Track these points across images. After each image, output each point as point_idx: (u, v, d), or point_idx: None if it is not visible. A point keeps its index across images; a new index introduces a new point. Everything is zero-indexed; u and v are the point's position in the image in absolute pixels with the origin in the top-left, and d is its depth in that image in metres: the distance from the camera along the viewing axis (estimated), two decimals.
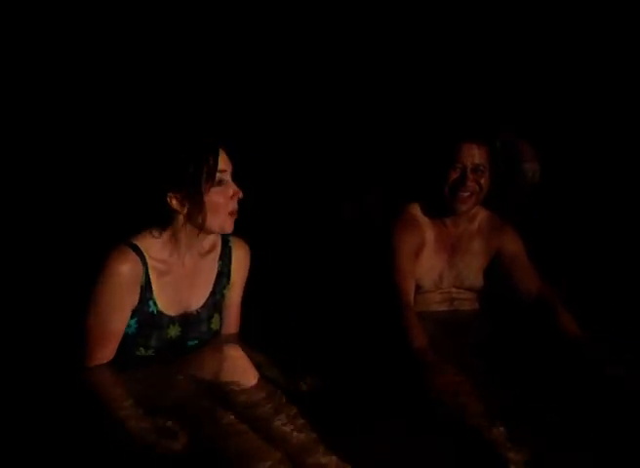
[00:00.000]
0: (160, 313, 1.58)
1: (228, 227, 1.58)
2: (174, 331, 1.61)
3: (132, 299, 1.54)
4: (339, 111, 3.97)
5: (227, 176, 1.55)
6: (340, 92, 4.01)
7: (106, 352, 1.53)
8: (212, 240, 1.68)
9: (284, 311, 2.23)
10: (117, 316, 1.52)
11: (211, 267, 1.67)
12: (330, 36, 4.09)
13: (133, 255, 1.52)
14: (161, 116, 1.58)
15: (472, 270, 2.14)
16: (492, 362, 1.82)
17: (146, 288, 1.55)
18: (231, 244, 1.71)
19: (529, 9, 3.99)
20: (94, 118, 3.41)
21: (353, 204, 3.72)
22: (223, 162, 1.55)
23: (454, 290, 2.15)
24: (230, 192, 1.55)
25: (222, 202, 1.54)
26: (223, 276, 1.70)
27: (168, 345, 1.60)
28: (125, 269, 1.50)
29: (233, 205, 1.56)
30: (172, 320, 1.60)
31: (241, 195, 1.57)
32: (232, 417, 1.34)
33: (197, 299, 1.65)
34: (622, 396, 1.54)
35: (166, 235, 1.57)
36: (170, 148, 1.51)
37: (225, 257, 1.70)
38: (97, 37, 3.72)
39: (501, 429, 1.38)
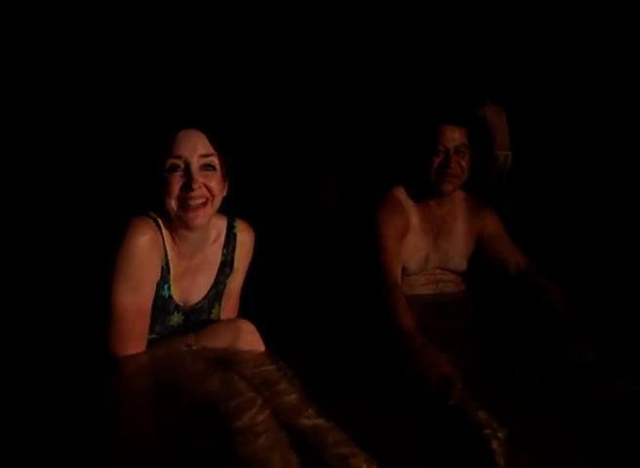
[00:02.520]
0: (170, 298, 1.56)
1: (186, 217, 1.47)
2: (176, 319, 1.60)
3: (156, 273, 1.49)
4: (323, 107, 3.99)
5: (181, 163, 1.46)
6: (322, 87, 4.03)
7: (145, 330, 1.49)
8: (217, 228, 1.64)
9: (275, 298, 2.23)
10: (146, 290, 1.47)
11: (214, 257, 1.64)
12: (313, 30, 4.09)
13: (154, 226, 1.48)
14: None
15: (457, 252, 2.19)
16: (477, 344, 1.84)
17: (166, 269, 1.52)
18: (236, 230, 1.67)
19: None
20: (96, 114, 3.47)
21: (333, 194, 3.75)
22: (183, 148, 1.46)
23: (438, 271, 2.19)
24: (180, 180, 1.46)
25: (171, 188, 1.45)
26: (226, 266, 1.66)
27: (169, 331, 1.58)
28: (146, 238, 1.44)
29: (179, 192, 1.46)
30: (177, 308, 1.59)
31: (194, 186, 1.45)
32: (242, 384, 1.34)
33: (199, 291, 1.63)
34: (604, 382, 1.55)
35: (164, 223, 1.52)
36: (143, 133, 1.51)
37: (230, 245, 1.66)
38: (96, 35, 3.74)
39: (483, 410, 1.39)
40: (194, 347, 1.50)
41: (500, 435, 1.32)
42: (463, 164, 2.05)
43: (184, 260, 1.57)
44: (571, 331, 1.81)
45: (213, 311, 1.67)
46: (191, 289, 1.61)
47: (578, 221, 3.20)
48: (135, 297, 1.45)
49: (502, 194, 4.36)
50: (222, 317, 1.71)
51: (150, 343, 1.53)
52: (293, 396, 1.34)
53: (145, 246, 1.45)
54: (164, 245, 1.51)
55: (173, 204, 1.47)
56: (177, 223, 1.51)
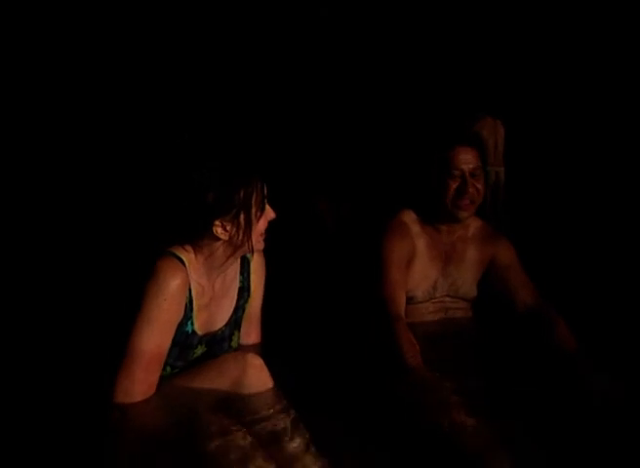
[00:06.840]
0: (194, 333, 1.55)
1: (261, 246, 1.58)
2: (200, 351, 1.59)
3: (180, 316, 1.49)
4: (318, 120, 3.98)
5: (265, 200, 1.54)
6: (318, 99, 4.02)
7: (157, 378, 1.46)
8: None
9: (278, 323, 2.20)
10: (169, 335, 1.47)
11: (233, 284, 1.65)
12: (312, 40, 4.09)
13: (182, 268, 1.48)
14: (202, 140, 1.54)
15: (467, 279, 2.10)
16: (486, 375, 1.79)
17: (189, 306, 1.51)
18: (248, 255, 1.67)
19: (519, 10, 4.03)
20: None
21: (327, 215, 3.75)
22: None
23: (447, 299, 2.11)
24: (271, 216, 1.56)
25: (263, 226, 1.54)
26: (244, 291, 1.68)
27: (191, 364, 1.57)
28: (177, 283, 1.44)
29: (266, 226, 1.56)
30: (200, 340, 1.58)
31: (274, 216, 1.56)
32: (246, 436, 1.32)
33: (222, 318, 1.63)
34: (614, 416, 1.53)
35: (201, 257, 1.53)
36: (221, 179, 1.45)
37: (245, 271, 1.68)
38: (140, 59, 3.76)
39: (486, 443, 1.38)
40: (199, 386, 1.47)
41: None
42: (479, 187, 1.96)
43: (208, 290, 1.57)
44: (584, 366, 1.76)
45: (233, 338, 1.67)
46: (216, 314, 1.61)
47: (578, 239, 3.19)
48: (158, 341, 1.44)
49: (500, 211, 4.30)
50: (246, 341, 1.73)
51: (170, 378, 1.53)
52: (296, 443, 1.34)
53: (176, 290, 1.44)
54: (189, 284, 1.51)
55: None
56: None
